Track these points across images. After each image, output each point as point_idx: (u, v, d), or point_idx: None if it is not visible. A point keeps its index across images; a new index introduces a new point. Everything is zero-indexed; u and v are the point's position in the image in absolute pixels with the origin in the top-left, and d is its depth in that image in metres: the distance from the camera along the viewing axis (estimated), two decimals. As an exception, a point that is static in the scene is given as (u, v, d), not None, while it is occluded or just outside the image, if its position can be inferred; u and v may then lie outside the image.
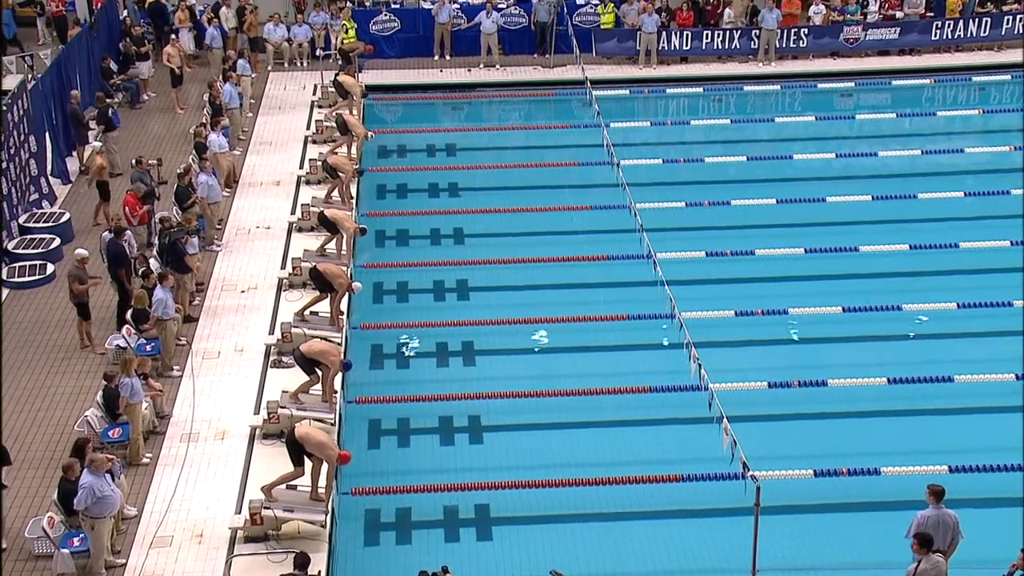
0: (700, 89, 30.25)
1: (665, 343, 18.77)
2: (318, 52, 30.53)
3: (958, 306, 19.61)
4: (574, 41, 29.56)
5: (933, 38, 31.45)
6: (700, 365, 16.15)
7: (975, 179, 24.42)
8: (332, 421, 16.33)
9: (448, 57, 31.53)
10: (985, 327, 19.37)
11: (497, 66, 31.01)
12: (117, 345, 17.83)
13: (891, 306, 19.66)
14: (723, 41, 31.12)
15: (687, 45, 31.05)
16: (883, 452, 16.34)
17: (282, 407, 16.32)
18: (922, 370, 17.90)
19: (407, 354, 19.37)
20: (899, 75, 30.27)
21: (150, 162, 22.50)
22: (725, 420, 14.67)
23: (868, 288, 20.57)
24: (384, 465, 16.64)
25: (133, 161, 22.24)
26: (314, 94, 28.93)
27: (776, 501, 14.43)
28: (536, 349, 19.55)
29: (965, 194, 23.50)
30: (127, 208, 20.65)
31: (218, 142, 23.46)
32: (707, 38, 31.07)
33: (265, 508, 14.34)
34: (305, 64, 31.41)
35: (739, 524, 14.26)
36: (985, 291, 19.98)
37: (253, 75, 29.25)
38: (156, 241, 20.29)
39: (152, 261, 19.45)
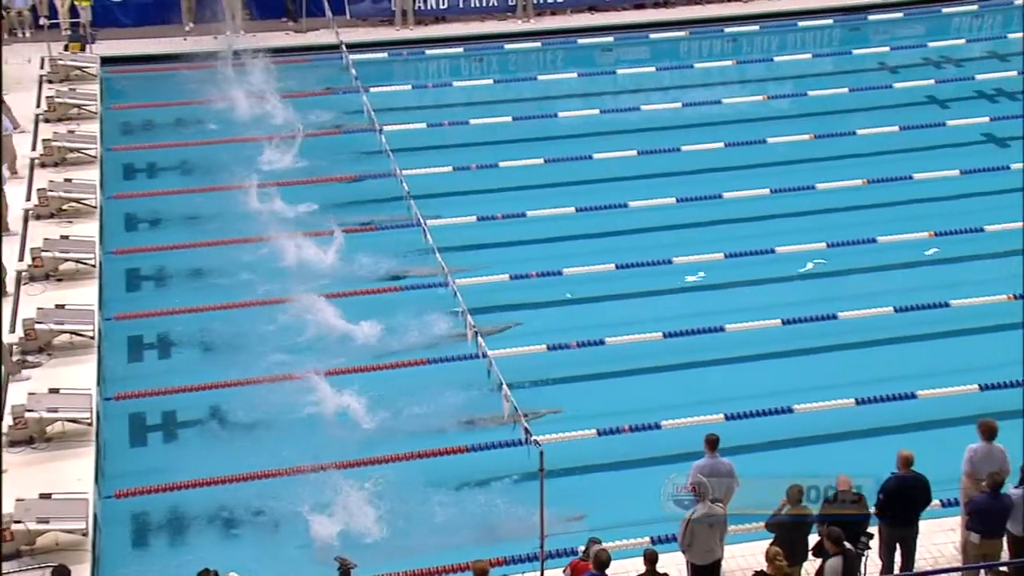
0: (461, 49, 29.80)
1: (440, 311, 18.40)
2: (42, 21, 28.18)
3: (725, 256, 19.99)
4: (326, 3, 28.62)
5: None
6: (477, 332, 15.98)
7: (734, 129, 24.83)
8: (89, 421, 15.39)
9: (191, 25, 29.69)
10: (753, 275, 19.78)
11: (242, 33, 29.42)
12: None
13: (662, 260, 19.85)
14: (479, -1, 30.68)
15: (444, 4, 30.53)
16: (663, 406, 16.53)
17: (29, 411, 15.19)
18: (696, 322, 18.19)
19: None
20: (656, 28, 30.45)
21: None
22: (505, 387, 14.65)
23: (639, 244, 20.75)
24: (150, 463, 15.87)
25: None
26: (42, 68, 26.77)
27: (561, 464, 14.46)
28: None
29: (725, 144, 23.89)
30: None
31: (-72, 128, 21.45)
32: (464, -4, 30.54)
33: (15, 522, 13.38)
34: (28, 35, 29.05)
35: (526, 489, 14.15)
36: (750, 240, 20.45)
37: (-35, 50, 26.79)
38: None
39: None
